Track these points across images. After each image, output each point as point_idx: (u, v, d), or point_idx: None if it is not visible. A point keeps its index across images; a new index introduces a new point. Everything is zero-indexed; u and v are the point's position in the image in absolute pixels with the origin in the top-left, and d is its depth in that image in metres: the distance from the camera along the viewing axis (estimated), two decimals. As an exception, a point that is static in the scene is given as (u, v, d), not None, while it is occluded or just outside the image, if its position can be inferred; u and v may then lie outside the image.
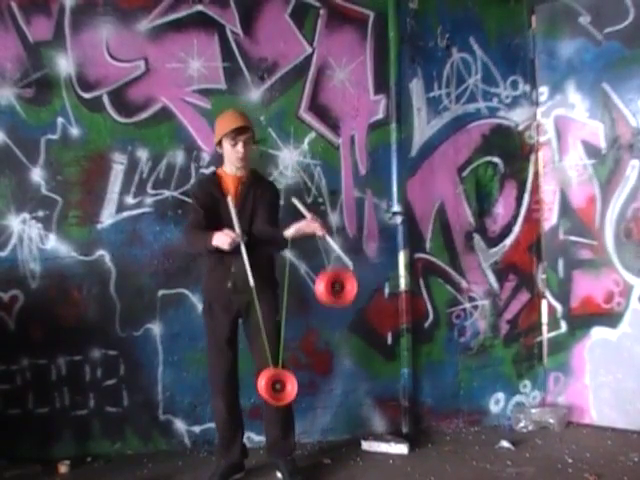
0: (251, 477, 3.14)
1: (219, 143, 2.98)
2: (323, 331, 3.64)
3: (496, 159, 3.91)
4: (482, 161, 3.89)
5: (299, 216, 2.95)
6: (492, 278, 3.92)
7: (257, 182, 3.07)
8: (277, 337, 2.97)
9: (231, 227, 2.84)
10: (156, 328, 3.48)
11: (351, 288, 2.85)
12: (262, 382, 2.81)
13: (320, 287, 2.83)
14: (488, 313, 3.91)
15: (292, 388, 2.84)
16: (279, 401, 2.86)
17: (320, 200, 3.65)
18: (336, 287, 2.83)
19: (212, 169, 3.28)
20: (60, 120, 3.38)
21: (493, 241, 3.92)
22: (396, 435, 3.62)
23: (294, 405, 3.09)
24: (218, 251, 2.85)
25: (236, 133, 2.91)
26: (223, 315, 3.00)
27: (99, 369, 3.44)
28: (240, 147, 2.92)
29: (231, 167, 3.01)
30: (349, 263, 3.24)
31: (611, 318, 3.73)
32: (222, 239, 2.79)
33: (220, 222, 2.90)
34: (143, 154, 3.47)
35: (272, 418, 3.07)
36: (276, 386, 2.83)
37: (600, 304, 3.77)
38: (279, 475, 3.10)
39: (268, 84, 3.58)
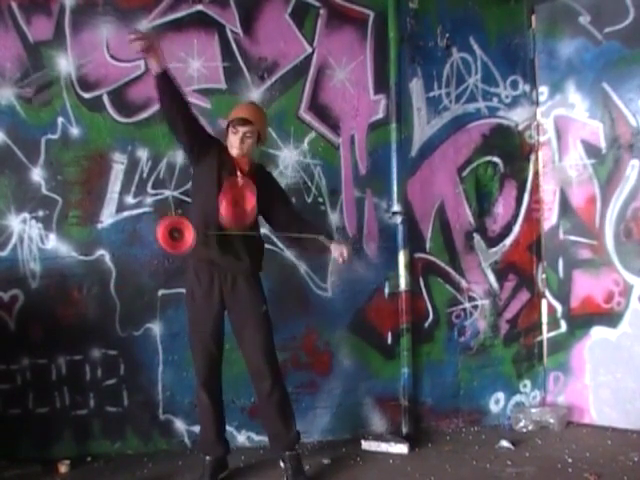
0: (251, 477, 3.14)
1: (227, 128, 2.97)
2: (323, 331, 3.64)
3: (496, 159, 3.91)
4: (482, 161, 3.89)
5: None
6: (492, 278, 3.92)
7: (258, 168, 3.10)
8: (267, 329, 2.98)
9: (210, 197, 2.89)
10: (156, 328, 3.48)
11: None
12: (159, 231, 2.77)
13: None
14: (488, 313, 3.91)
15: (189, 234, 2.77)
16: (177, 249, 2.81)
17: (320, 200, 3.65)
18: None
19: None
20: (60, 120, 3.38)
21: (493, 241, 3.91)
22: (396, 435, 3.62)
23: (292, 399, 3.10)
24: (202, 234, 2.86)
25: (238, 123, 2.90)
26: (206, 303, 2.93)
27: (99, 369, 3.44)
28: (238, 136, 2.91)
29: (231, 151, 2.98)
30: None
31: (611, 318, 3.73)
32: None
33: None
34: (143, 154, 3.47)
35: (269, 414, 3.03)
36: (174, 234, 2.78)
37: (600, 304, 3.77)
38: (282, 465, 3.07)
39: (268, 84, 3.58)
